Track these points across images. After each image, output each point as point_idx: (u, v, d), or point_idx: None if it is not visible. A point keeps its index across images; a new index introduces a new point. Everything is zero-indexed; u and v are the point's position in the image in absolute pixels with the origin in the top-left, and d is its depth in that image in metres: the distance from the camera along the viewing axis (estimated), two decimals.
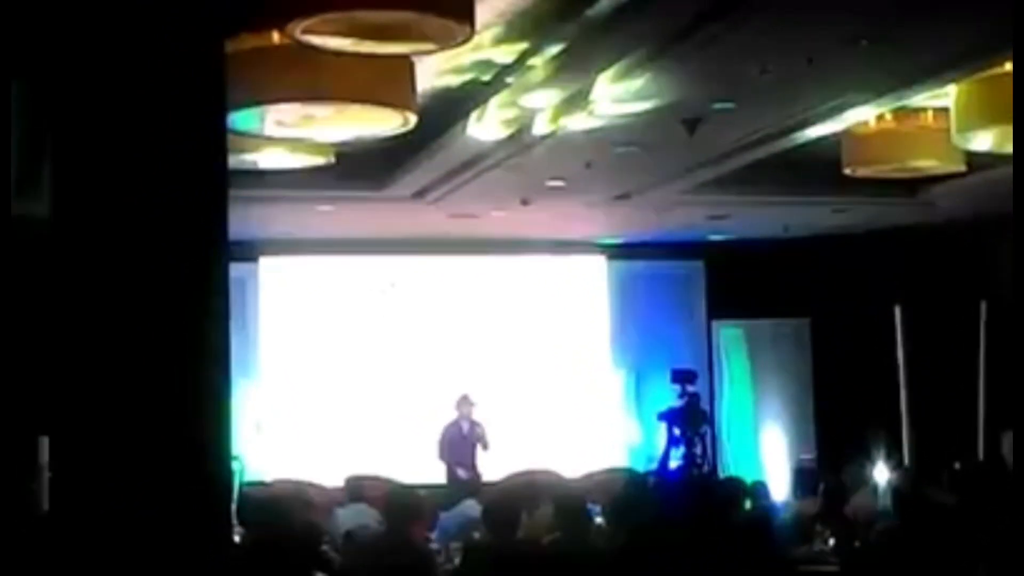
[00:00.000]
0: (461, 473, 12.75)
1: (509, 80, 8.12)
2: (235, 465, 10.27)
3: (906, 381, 13.56)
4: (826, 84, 7.91)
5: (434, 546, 8.37)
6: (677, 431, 8.87)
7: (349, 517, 9.18)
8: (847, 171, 9.55)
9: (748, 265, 14.06)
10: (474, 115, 8.71)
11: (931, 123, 8.82)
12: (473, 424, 12.85)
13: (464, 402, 12.92)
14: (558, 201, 11.58)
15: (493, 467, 12.91)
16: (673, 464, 8.88)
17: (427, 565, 7.17)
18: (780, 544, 7.22)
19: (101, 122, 3.35)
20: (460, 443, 12.87)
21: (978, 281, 12.99)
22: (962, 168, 9.53)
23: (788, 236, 13.73)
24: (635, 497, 7.96)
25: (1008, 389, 12.22)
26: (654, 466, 9.88)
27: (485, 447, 12.85)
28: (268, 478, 12.76)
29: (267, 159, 8.63)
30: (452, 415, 13.04)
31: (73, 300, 3.30)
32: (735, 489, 8.70)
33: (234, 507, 8.73)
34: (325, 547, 7.84)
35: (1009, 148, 8.50)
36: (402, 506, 7.22)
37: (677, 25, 6.77)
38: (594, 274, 14.88)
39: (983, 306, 12.66)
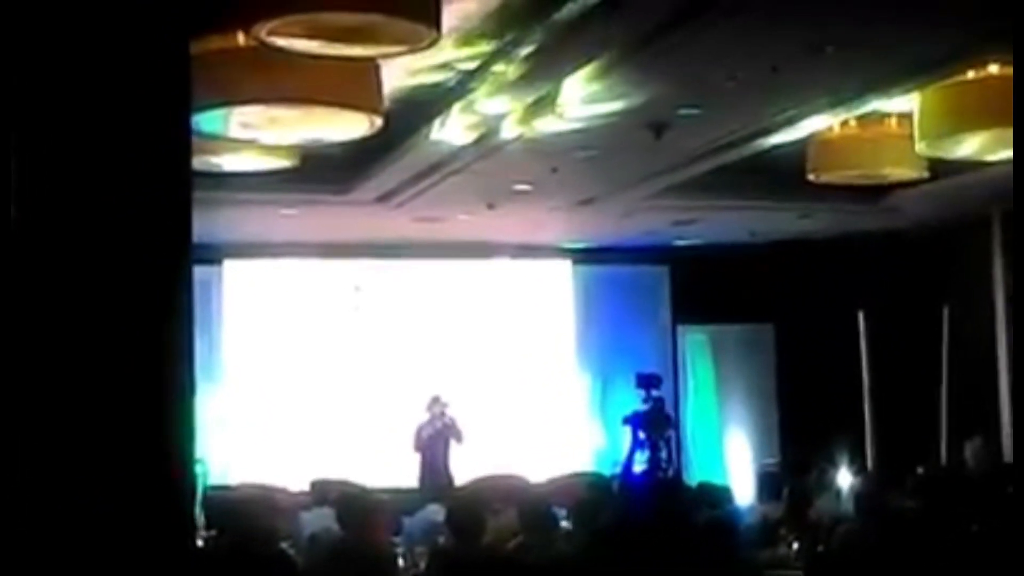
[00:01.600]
0: (432, 472, 12.76)
1: (475, 84, 8.11)
2: (199, 468, 10.23)
3: (869, 386, 13.63)
4: (791, 91, 7.95)
5: (399, 551, 8.36)
6: (642, 435, 8.89)
7: (314, 520, 9.15)
8: (812, 177, 9.60)
9: (713, 270, 14.10)
10: (440, 119, 8.70)
11: (895, 130, 8.88)
12: (445, 423, 12.88)
13: (435, 403, 12.96)
14: (524, 205, 11.58)
15: (459, 470, 12.90)
16: (637, 468, 8.90)
17: (386, 568, 7.15)
18: (743, 548, 7.24)
19: (64, 123, 3.32)
20: (433, 443, 12.88)
21: (941, 287, 13.08)
22: (925, 174, 9.60)
23: (753, 242, 13.78)
24: (600, 501, 7.97)
25: (971, 394, 12.32)
26: (619, 470, 9.90)
27: (459, 440, 12.89)
28: (233, 481, 12.72)
29: (231, 161, 8.60)
30: (419, 418, 13.03)
31: (34, 301, 3.27)
32: (699, 493, 8.73)
33: (198, 511, 8.71)
34: (290, 550, 7.82)
35: (970, 154, 8.58)
36: (354, 509, 7.22)
37: (643, 31, 6.79)
38: (559, 278, 14.89)
39: (946, 311, 12.75)
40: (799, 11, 6.49)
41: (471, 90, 8.20)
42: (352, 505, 7.28)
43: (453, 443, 12.97)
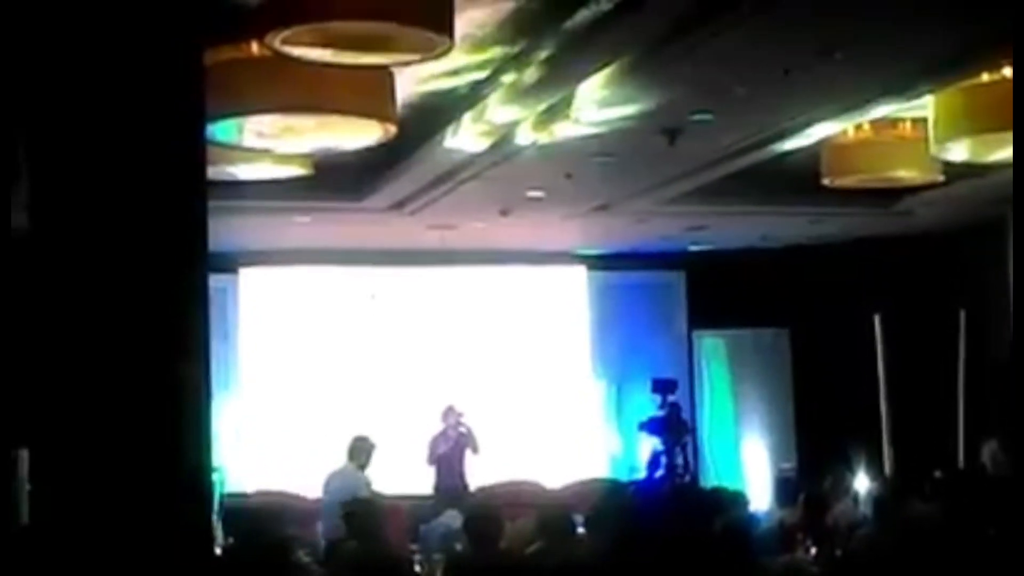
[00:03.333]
0: (448, 481, 12.73)
1: (488, 91, 8.13)
2: (216, 477, 10.25)
3: (886, 390, 13.59)
4: (804, 95, 7.93)
5: (416, 557, 8.37)
6: (659, 441, 8.88)
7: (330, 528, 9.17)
8: (826, 181, 9.59)
9: (728, 275, 14.07)
10: (453, 126, 8.71)
11: (909, 133, 8.86)
12: (460, 434, 12.83)
13: (450, 413, 12.90)
14: (537, 212, 11.58)
15: (475, 477, 12.89)
16: (657, 474, 8.89)
17: (398, 570, 7.16)
18: (760, 553, 7.23)
19: (79, 133, 3.34)
20: (448, 453, 12.85)
21: (957, 290, 13.04)
22: (939, 178, 9.58)
23: (767, 246, 13.76)
24: (617, 507, 7.96)
25: (988, 397, 12.28)
26: (638, 476, 9.90)
27: (475, 451, 12.84)
28: (250, 490, 12.74)
29: (246, 170, 8.62)
30: (436, 425, 13.02)
31: (52, 312, 3.29)
32: (715, 499, 8.71)
33: (216, 519, 8.73)
34: (307, 559, 7.83)
35: (985, 157, 8.57)
36: (362, 516, 7.23)
37: (654, 37, 6.79)
38: (574, 285, 14.88)
39: (962, 315, 12.71)
40: (810, 15, 6.49)
41: (484, 97, 8.21)
42: (361, 512, 7.29)
43: (469, 452, 12.92)
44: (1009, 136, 7.73)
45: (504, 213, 11.55)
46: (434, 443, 12.88)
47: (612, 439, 14.53)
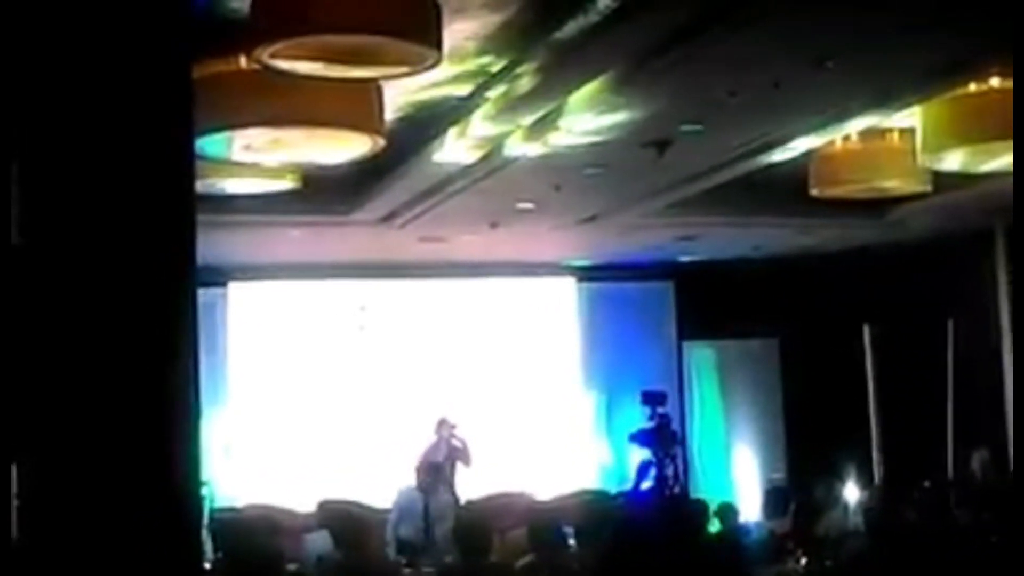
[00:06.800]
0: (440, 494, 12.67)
1: (477, 104, 8.13)
2: (205, 491, 10.23)
3: (875, 400, 13.62)
4: (793, 106, 7.95)
5: (406, 572, 8.36)
6: (649, 452, 8.89)
7: (320, 542, 9.16)
8: (814, 192, 9.60)
9: (717, 286, 14.10)
10: (442, 138, 8.71)
11: (897, 144, 8.88)
12: (453, 447, 12.78)
13: (443, 425, 12.87)
14: (527, 224, 11.59)
15: (466, 489, 12.86)
16: (644, 485, 8.89)
17: None
18: (751, 564, 7.24)
19: (67, 147, 3.34)
20: (440, 464, 12.80)
21: (945, 300, 13.07)
22: (928, 188, 9.60)
23: (757, 257, 13.77)
24: (607, 519, 7.97)
25: (977, 407, 12.31)
26: (627, 487, 9.89)
27: (468, 463, 12.79)
28: (239, 504, 12.71)
29: (235, 184, 8.62)
30: (426, 438, 12.97)
31: (40, 326, 3.28)
32: (705, 510, 8.72)
33: (205, 533, 8.72)
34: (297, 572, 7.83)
35: (975, 167, 8.60)
36: (348, 529, 7.23)
37: (645, 49, 6.80)
38: (564, 296, 14.89)
39: (951, 325, 12.74)
40: (800, 27, 6.50)
41: (473, 110, 8.22)
42: (347, 525, 7.29)
43: (460, 465, 12.87)
44: (998, 146, 7.79)
45: (494, 225, 11.55)
46: (425, 455, 12.81)
47: (602, 450, 14.53)
